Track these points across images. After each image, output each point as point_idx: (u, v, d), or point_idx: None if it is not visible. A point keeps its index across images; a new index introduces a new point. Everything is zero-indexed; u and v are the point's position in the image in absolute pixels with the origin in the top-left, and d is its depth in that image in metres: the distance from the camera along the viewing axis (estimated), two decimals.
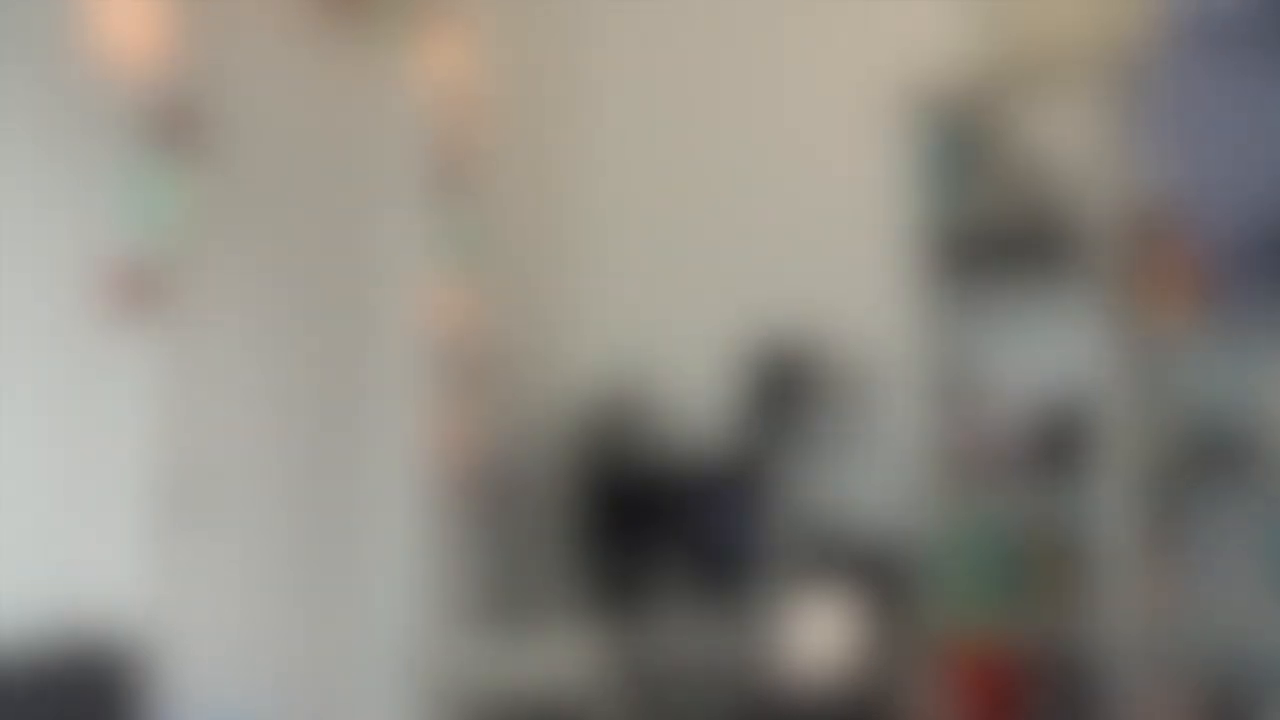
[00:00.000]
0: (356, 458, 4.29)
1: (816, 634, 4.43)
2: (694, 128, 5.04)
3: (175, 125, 3.66)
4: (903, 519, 4.48)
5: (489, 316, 4.70)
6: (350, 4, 4.24)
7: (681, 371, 4.98)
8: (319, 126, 4.18)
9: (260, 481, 3.96)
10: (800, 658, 4.43)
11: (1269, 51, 4.16)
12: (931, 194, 4.44)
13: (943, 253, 4.42)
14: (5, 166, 3.37)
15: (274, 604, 3.98)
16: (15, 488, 3.37)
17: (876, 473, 4.62)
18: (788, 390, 4.74)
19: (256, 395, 3.97)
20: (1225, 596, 4.14)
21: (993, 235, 4.39)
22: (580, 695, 4.48)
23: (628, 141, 5.13)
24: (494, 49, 4.74)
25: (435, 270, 4.55)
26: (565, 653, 4.53)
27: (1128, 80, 4.21)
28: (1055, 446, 4.31)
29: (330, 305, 4.23)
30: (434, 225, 4.55)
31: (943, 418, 4.43)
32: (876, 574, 4.48)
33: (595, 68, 5.13)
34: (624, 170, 5.12)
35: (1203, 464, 4.16)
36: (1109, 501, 4.17)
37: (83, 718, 3.37)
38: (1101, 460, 4.19)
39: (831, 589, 4.47)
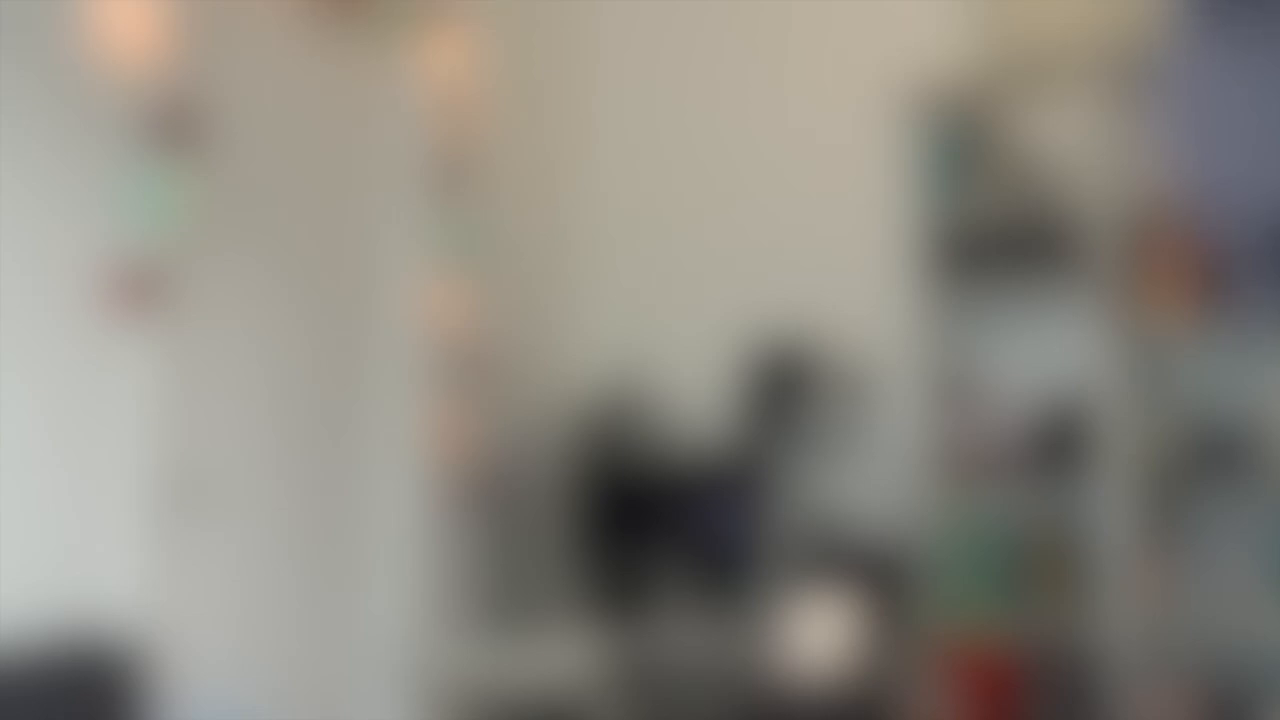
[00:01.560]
0: (356, 457, 4.29)
1: (816, 634, 4.43)
2: (694, 128, 5.04)
3: (175, 125, 3.67)
4: (903, 519, 4.48)
5: (489, 316, 4.70)
6: (350, 4, 4.24)
7: (681, 372, 4.98)
8: (319, 126, 4.18)
9: (260, 481, 3.96)
10: (800, 658, 4.43)
11: (1272, 48, 4.16)
12: (932, 194, 4.44)
13: (943, 253, 4.42)
14: (5, 166, 3.37)
15: (274, 604, 3.98)
16: (16, 488, 3.37)
17: (876, 473, 4.62)
18: (788, 390, 4.74)
19: (257, 395, 3.97)
20: (1225, 597, 4.14)
21: (994, 235, 4.39)
22: (580, 695, 4.48)
23: (628, 141, 5.13)
24: (494, 49, 4.74)
25: (435, 270, 4.55)
26: (565, 653, 4.53)
27: (1129, 79, 4.21)
28: (1055, 446, 4.31)
29: (330, 305, 4.23)
30: (434, 225, 4.55)
31: (943, 418, 4.43)
32: (876, 574, 4.48)
33: (595, 68, 5.13)
34: (624, 170, 5.13)
35: (1203, 464, 4.16)
36: (1109, 501, 4.17)
37: (83, 718, 3.37)
38: (1101, 460, 4.19)
39: (831, 589, 4.47)
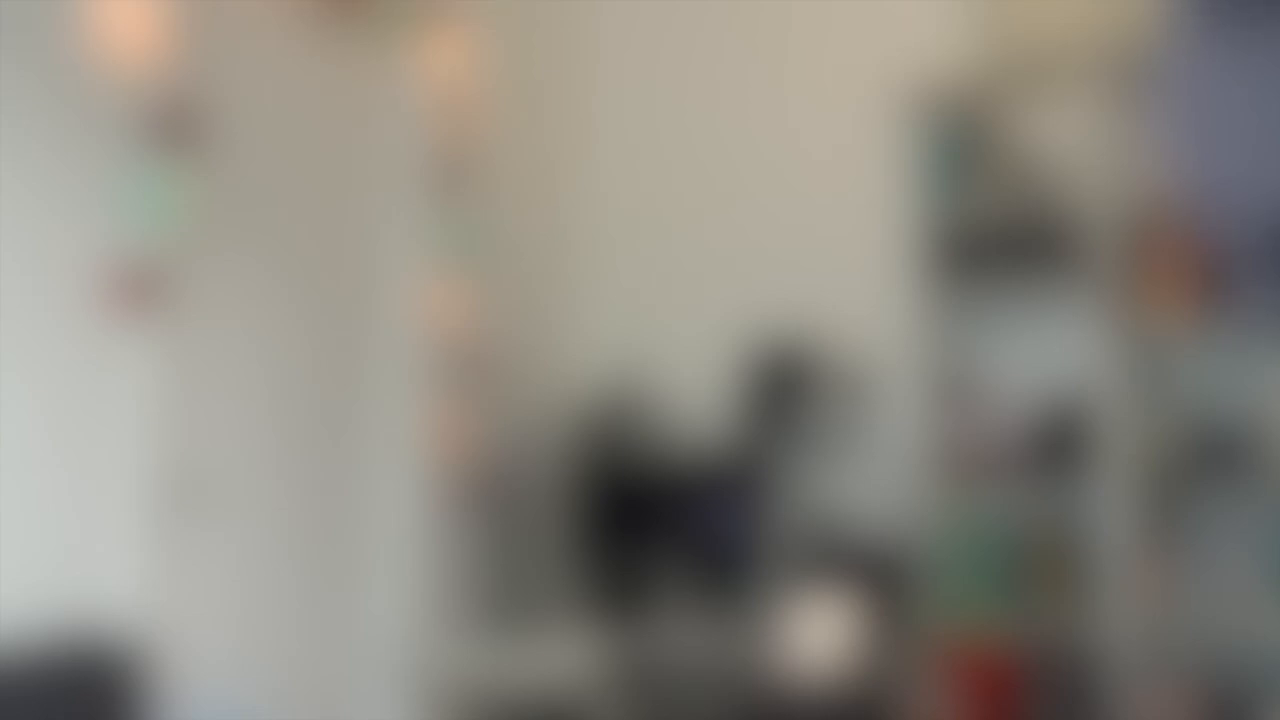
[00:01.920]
0: (357, 457, 4.29)
1: (816, 634, 4.43)
2: (694, 127, 5.04)
3: (175, 125, 3.67)
4: (903, 519, 4.48)
5: (489, 316, 4.70)
6: (350, 4, 4.24)
7: (681, 371, 4.98)
8: (319, 126, 4.18)
9: (260, 481, 3.96)
10: (800, 658, 4.43)
11: (1272, 48, 4.16)
12: (932, 194, 4.44)
13: (943, 253, 4.42)
14: (5, 166, 3.37)
15: (274, 604, 3.98)
16: (16, 488, 3.37)
17: (876, 473, 4.62)
18: (788, 390, 4.74)
19: (256, 395, 3.97)
20: (1225, 597, 4.14)
21: (994, 235, 4.40)
22: (580, 695, 4.48)
23: (628, 141, 5.13)
24: (494, 49, 4.74)
25: (435, 269, 4.55)
26: (565, 653, 4.53)
27: (1129, 79, 4.21)
28: (1055, 446, 4.31)
29: (330, 305, 4.23)
30: (434, 225, 4.55)
31: (943, 418, 4.43)
32: (876, 574, 4.48)
33: (595, 68, 5.13)
34: (624, 170, 5.13)
35: (1203, 464, 4.16)
36: (1109, 501, 4.18)
37: (83, 718, 3.36)
38: (1101, 460, 4.19)
39: (831, 589, 4.47)
